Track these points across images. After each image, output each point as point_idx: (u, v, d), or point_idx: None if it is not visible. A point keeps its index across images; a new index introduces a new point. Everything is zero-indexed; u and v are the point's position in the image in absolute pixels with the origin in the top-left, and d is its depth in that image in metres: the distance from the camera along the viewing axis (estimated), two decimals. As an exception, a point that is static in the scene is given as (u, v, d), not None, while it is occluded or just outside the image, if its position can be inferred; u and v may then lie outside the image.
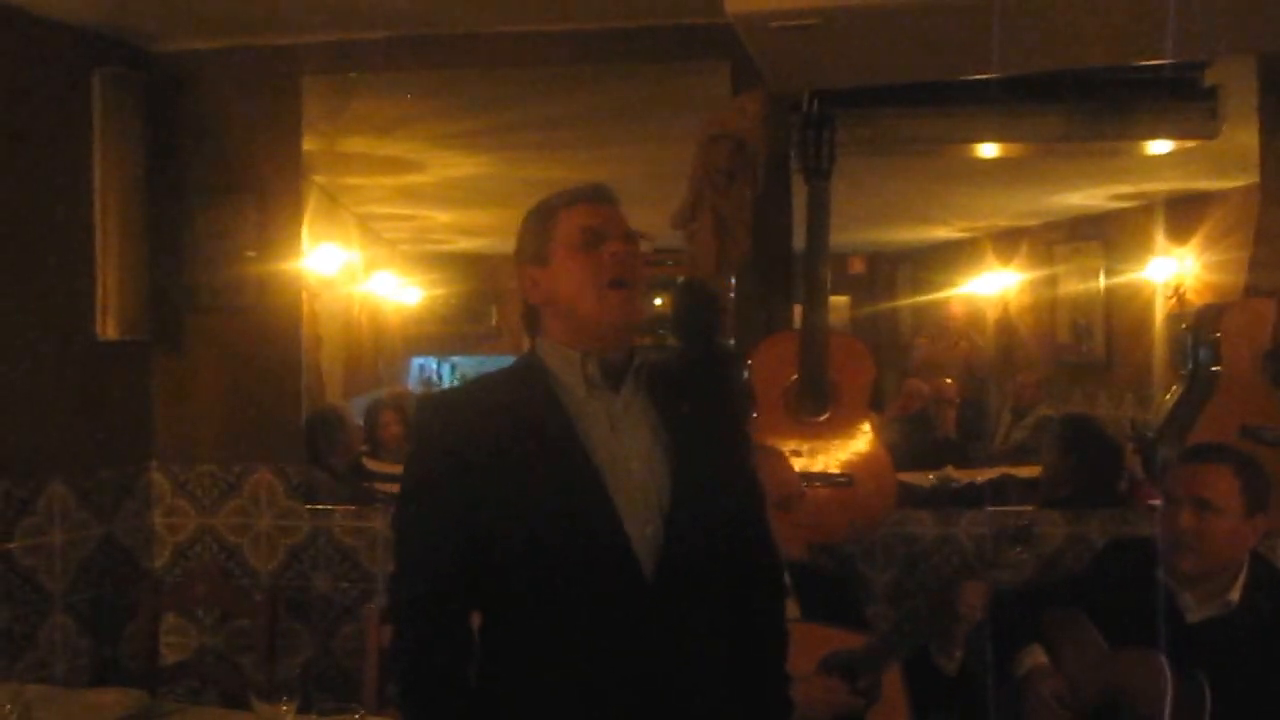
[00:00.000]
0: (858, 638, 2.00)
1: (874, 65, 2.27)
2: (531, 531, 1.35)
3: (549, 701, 1.35)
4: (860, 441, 2.45)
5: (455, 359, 3.61)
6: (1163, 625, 1.88)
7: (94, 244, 2.75)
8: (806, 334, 2.43)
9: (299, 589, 2.88)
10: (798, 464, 2.34)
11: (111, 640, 2.81)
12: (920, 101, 2.53)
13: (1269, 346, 2.37)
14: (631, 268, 1.38)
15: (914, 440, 3.40)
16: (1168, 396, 2.69)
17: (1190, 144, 2.65)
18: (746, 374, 2.49)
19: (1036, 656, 2.01)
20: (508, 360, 1.52)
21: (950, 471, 3.10)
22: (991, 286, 3.92)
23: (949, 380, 3.74)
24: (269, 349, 2.92)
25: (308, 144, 2.91)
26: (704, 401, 1.45)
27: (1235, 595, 1.93)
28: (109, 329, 2.77)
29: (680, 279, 2.62)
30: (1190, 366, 2.53)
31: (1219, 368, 2.43)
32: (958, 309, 3.95)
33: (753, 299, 2.72)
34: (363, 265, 3.42)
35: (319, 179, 3.00)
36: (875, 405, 2.51)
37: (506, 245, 1.52)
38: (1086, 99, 2.53)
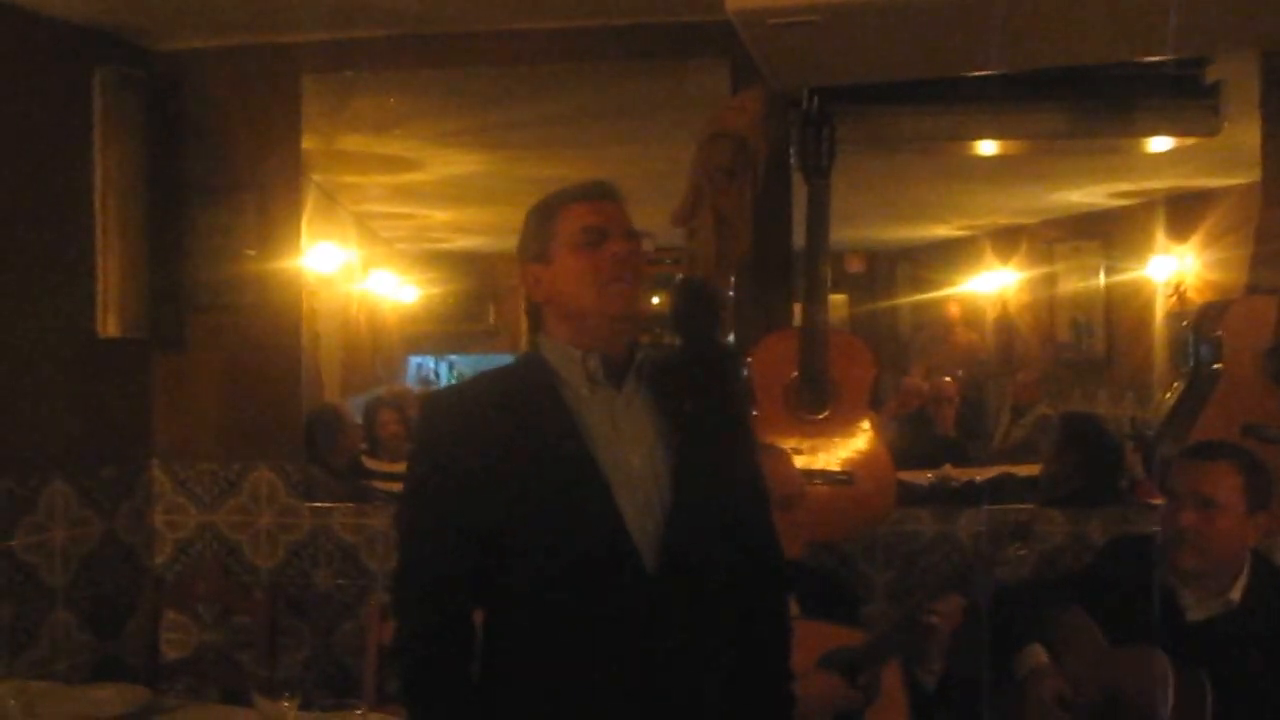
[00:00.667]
0: (857, 635, 2.00)
1: (874, 62, 2.27)
2: (534, 528, 1.35)
3: (551, 697, 1.35)
4: (860, 439, 2.45)
5: (453, 357, 3.61)
6: (1164, 624, 1.88)
7: (94, 242, 2.75)
8: (806, 332, 2.43)
9: (299, 586, 2.88)
10: (797, 462, 2.34)
11: (113, 637, 2.81)
12: (920, 99, 2.53)
13: (1270, 344, 2.36)
14: (633, 267, 1.38)
15: (913, 439, 3.39)
16: (1168, 395, 2.68)
17: (1191, 141, 2.64)
18: (746, 372, 2.49)
19: (1037, 656, 2.00)
20: (505, 359, 1.53)
21: (949, 470, 3.10)
22: (991, 285, 3.92)
23: (948, 379, 3.74)
24: (269, 347, 2.92)
25: (306, 142, 2.91)
26: (706, 399, 1.45)
27: (1236, 594, 1.93)
28: (109, 327, 2.77)
29: (679, 277, 2.62)
30: (1191, 364, 2.53)
31: (1220, 366, 2.42)
32: (953, 305, 3.96)
33: (752, 297, 2.72)
34: (361, 264, 3.43)
35: (317, 177, 3.01)
36: (873, 404, 2.50)
37: (504, 244, 1.52)
38: (1087, 96, 2.52)
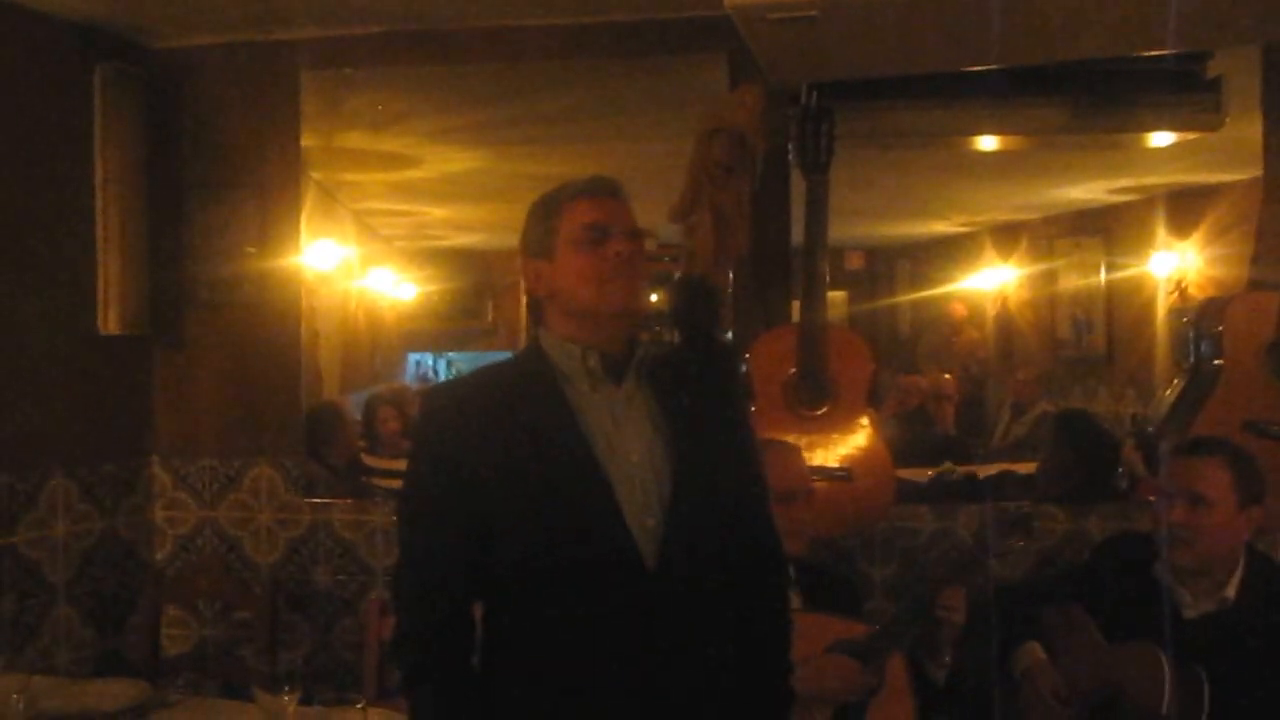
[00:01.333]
0: (860, 627, 2.01)
1: (873, 57, 2.26)
2: (534, 523, 1.35)
3: (551, 691, 1.35)
4: (859, 436, 2.45)
5: (451, 354, 3.62)
6: (1160, 620, 1.87)
7: (95, 239, 2.76)
8: (805, 328, 2.43)
9: (299, 582, 2.89)
10: (796, 458, 2.34)
11: (114, 632, 2.83)
12: (920, 94, 2.52)
13: (1272, 340, 2.35)
14: (635, 265, 1.38)
15: (913, 437, 3.39)
16: (1168, 391, 2.68)
17: (1193, 136, 2.63)
18: (745, 368, 2.49)
19: (1034, 653, 2.01)
20: (503, 356, 1.52)
21: (949, 467, 3.09)
22: (991, 281, 3.91)
23: (948, 376, 3.73)
24: (269, 344, 2.92)
25: (305, 140, 2.92)
26: (705, 394, 1.45)
27: (1232, 590, 1.92)
28: (110, 324, 2.78)
29: (678, 274, 2.62)
30: (1192, 361, 2.52)
31: (1221, 362, 2.41)
32: (957, 304, 3.94)
33: (751, 293, 2.72)
34: (359, 261, 3.43)
35: (316, 175, 3.01)
36: (872, 401, 2.50)
37: (503, 241, 1.52)
38: (1088, 91, 2.51)
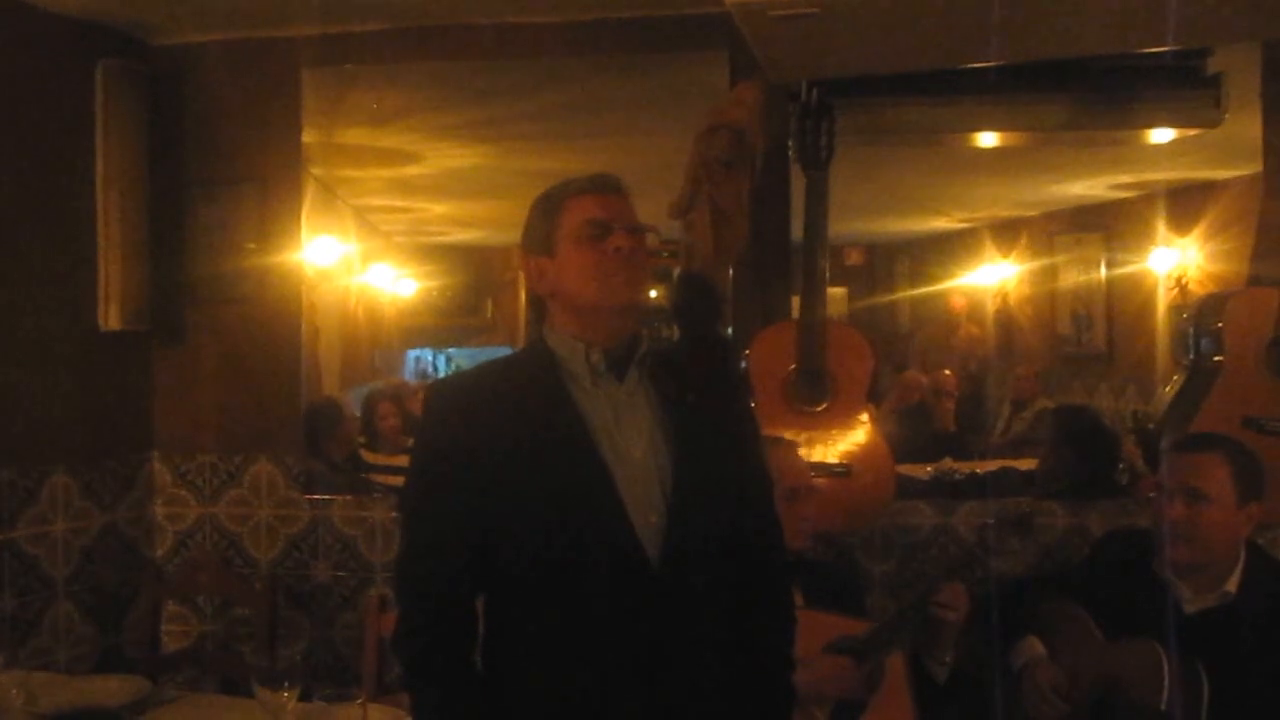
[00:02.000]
0: (860, 625, 2.01)
1: (873, 54, 2.26)
2: (535, 518, 1.35)
3: (552, 686, 1.36)
4: (859, 432, 2.45)
5: (451, 351, 3.61)
6: (1160, 616, 1.88)
7: (96, 235, 2.77)
8: (805, 324, 2.43)
9: (299, 578, 2.89)
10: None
11: (114, 628, 2.83)
12: (920, 91, 2.52)
13: (1272, 337, 2.36)
14: (636, 260, 1.38)
15: (913, 433, 3.39)
16: (1168, 388, 2.68)
17: (1193, 133, 2.63)
18: (744, 364, 2.49)
19: (1034, 647, 2.01)
20: (503, 352, 1.53)
21: (949, 464, 3.09)
22: (991, 278, 3.90)
23: (947, 372, 3.73)
24: (269, 340, 2.93)
25: (306, 136, 2.92)
26: (707, 391, 1.45)
27: (1232, 586, 1.93)
28: (111, 320, 2.78)
29: (678, 271, 2.62)
30: (1192, 357, 2.52)
31: (1221, 358, 2.41)
32: (957, 300, 3.94)
33: (751, 290, 2.72)
34: (359, 257, 3.43)
35: (316, 171, 3.01)
36: (872, 397, 2.50)
37: (503, 237, 1.52)
38: (1088, 87, 2.51)
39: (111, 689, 2.05)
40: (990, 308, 3.88)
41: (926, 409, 3.61)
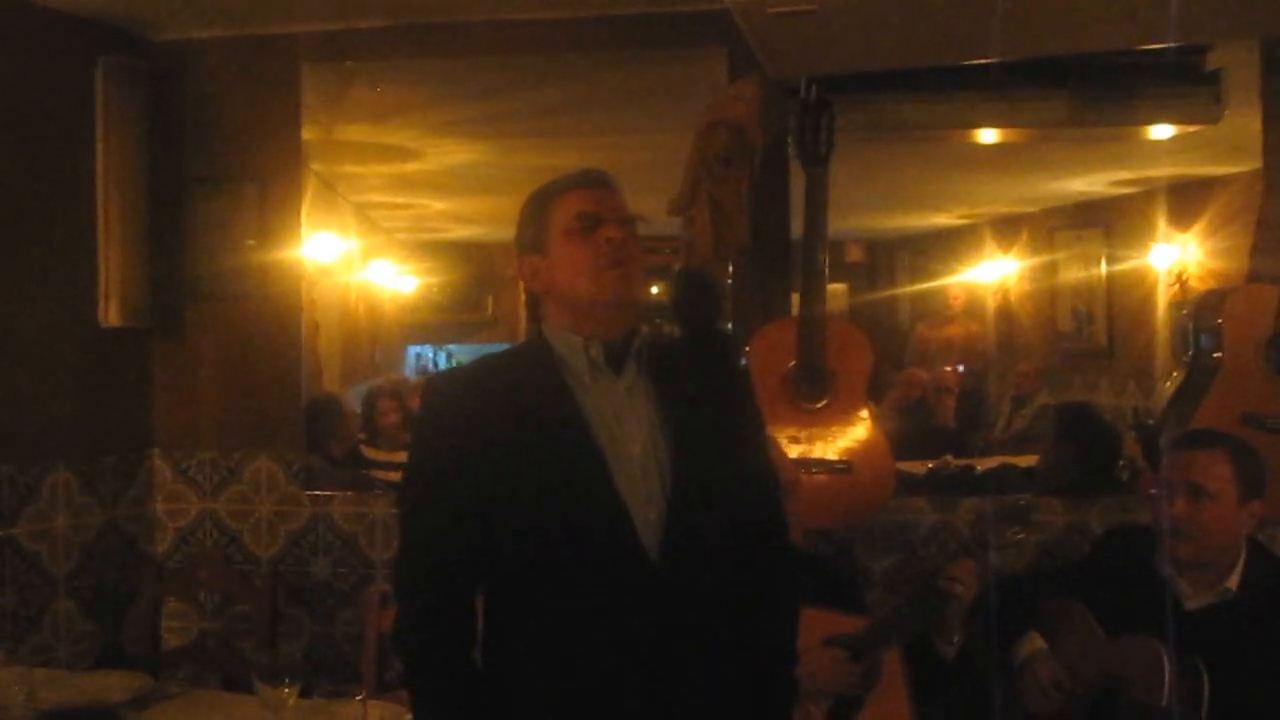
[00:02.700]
0: (858, 621, 2.01)
1: (872, 50, 2.26)
2: (535, 514, 1.35)
3: (553, 683, 1.36)
4: (858, 428, 2.45)
5: (451, 347, 3.61)
6: (1161, 613, 1.88)
7: (96, 232, 2.77)
8: (804, 321, 2.43)
9: (299, 574, 2.90)
10: (796, 450, 2.34)
11: (114, 624, 2.84)
12: (919, 87, 2.52)
13: (1271, 333, 2.35)
14: (628, 251, 1.38)
15: (913, 429, 3.38)
16: (1168, 384, 2.68)
17: (1193, 129, 2.63)
18: (744, 361, 2.49)
19: (1034, 643, 2.01)
20: (503, 349, 1.52)
21: (949, 460, 3.09)
22: (991, 274, 3.89)
23: (948, 368, 3.73)
24: (269, 337, 2.93)
25: (306, 132, 2.92)
26: (706, 385, 1.44)
27: (1233, 583, 1.93)
28: (111, 316, 2.79)
29: (678, 267, 2.62)
30: (1192, 353, 2.52)
31: (1221, 354, 2.41)
32: (954, 296, 3.93)
33: (751, 286, 2.72)
34: (360, 254, 3.43)
35: (317, 167, 3.01)
36: (872, 394, 2.50)
37: (502, 233, 1.52)
38: (1088, 84, 2.51)
39: (112, 685, 2.05)
40: (991, 304, 3.87)
41: (927, 406, 3.61)
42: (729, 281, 2.71)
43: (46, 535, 2.66)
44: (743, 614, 1.41)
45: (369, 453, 3.19)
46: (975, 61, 2.34)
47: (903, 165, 3.35)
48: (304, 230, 2.94)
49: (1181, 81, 2.50)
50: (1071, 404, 3.49)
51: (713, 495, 1.39)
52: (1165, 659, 1.82)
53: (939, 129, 2.67)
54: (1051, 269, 3.77)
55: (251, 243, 2.92)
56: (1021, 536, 1.97)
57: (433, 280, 3.59)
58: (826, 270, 2.44)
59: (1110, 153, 3.22)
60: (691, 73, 2.72)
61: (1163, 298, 3.33)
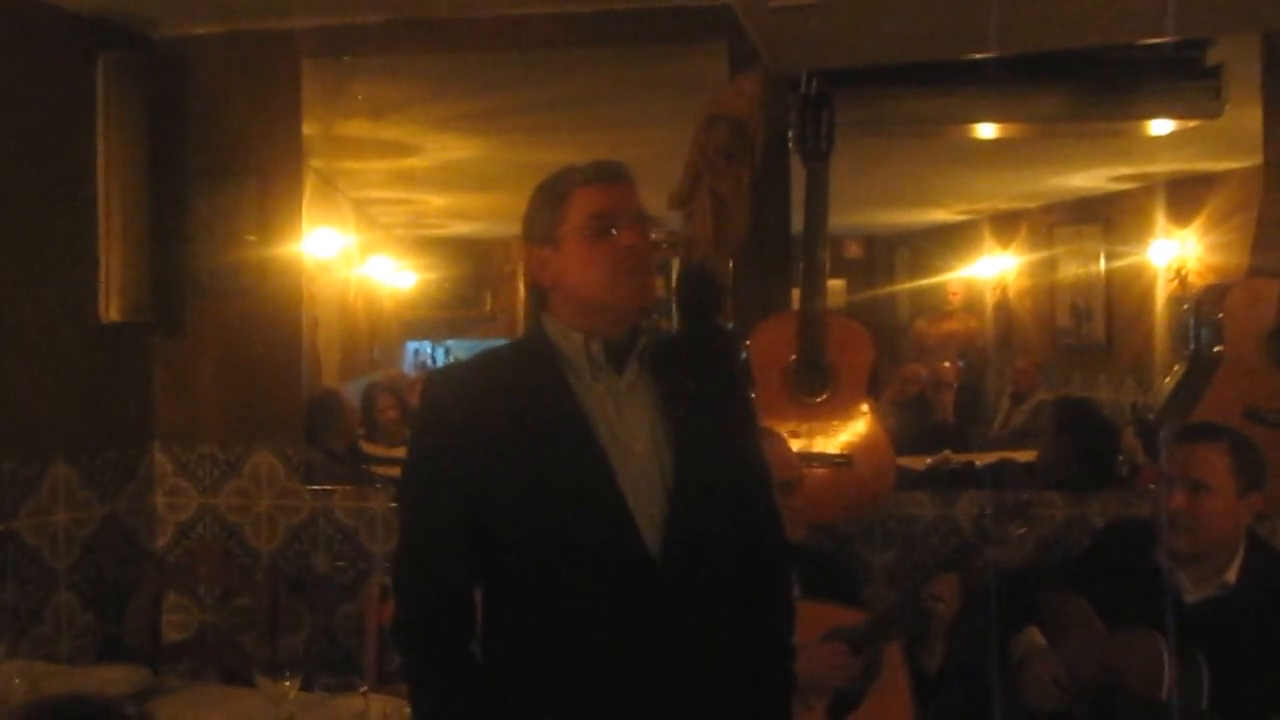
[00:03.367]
0: (858, 615, 2.02)
1: (873, 45, 2.26)
2: (535, 510, 1.35)
3: (553, 679, 1.36)
4: (859, 422, 2.45)
5: (450, 343, 3.61)
6: (1160, 606, 1.88)
7: (97, 227, 2.77)
8: (805, 315, 2.43)
9: (299, 568, 2.90)
10: (796, 444, 2.34)
11: (115, 618, 2.84)
12: (920, 81, 2.52)
13: (1272, 327, 2.36)
14: (644, 255, 1.37)
15: (912, 425, 3.39)
16: (1168, 379, 2.68)
17: (1193, 124, 2.63)
18: (745, 355, 2.49)
19: (1034, 638, 2.01)
20: (503, 344, 1.52)
21: (949, 456, 3.09)
22: (990, 269, 3.90)
23: (947, 364, 3.73)
24: (269, 332, 2.93)
25: (306, 128, 2.92)
26: (707, 382, 1.44)
27: (1232, 575, 1.93)
28: (112, 311, 2.79)
29: (678, 263, 2.63)
30: (1193, 348, 2.52)
31: (1221, 349, 2.41)
32: (952, 292, 3.94)
33: (751, 281, 2.72)
34: (359, 249, 3.43)
35: (316, 163, 3.00)
36: (871, 390, 2.51)
37: (502, 230, 1.51)
38: (1087, 78, 2.51)
39: (112, 679, 2.05)
40: (990, 300, 3.87)
41: (926, 401, 3.62)
42: (730, 277, 2.71)
43: (47, 529, 2.66)
44: (741, 610, 1.41)
45: (368, 448, 3.19)
46: (975, 56, 2.34)
47: (902, 161, 3.35)
48: (304, 225, 2.94)
49: (1182, 76, 2.50)
50: (1069, 399, 3.50)
51: (713, 493, 1.39)
52: (1165, 652, 1.82)
53: (939, 124, 2.67)
54: (1050, 265, 3.77)
55: (252, 238, 2.92)
56: (1024, 531, 1.97)
57: (431, 276, 3.59)
58: (827, 265, 2.44)
59: (1110, 148, 3.22)
60: (692, 67, 2.72)
61: (1162, 293, 3.33)
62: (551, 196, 1.40)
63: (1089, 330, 3.65)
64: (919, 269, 4.04)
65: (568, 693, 1.35)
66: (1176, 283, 3.26)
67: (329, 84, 2.92)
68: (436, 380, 1.50)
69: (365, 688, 1.88)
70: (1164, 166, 3.32)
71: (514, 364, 1.43)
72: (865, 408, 2.46)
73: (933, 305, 4.00)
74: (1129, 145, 3.13)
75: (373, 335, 3.58)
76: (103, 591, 2.80)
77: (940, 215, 4.03)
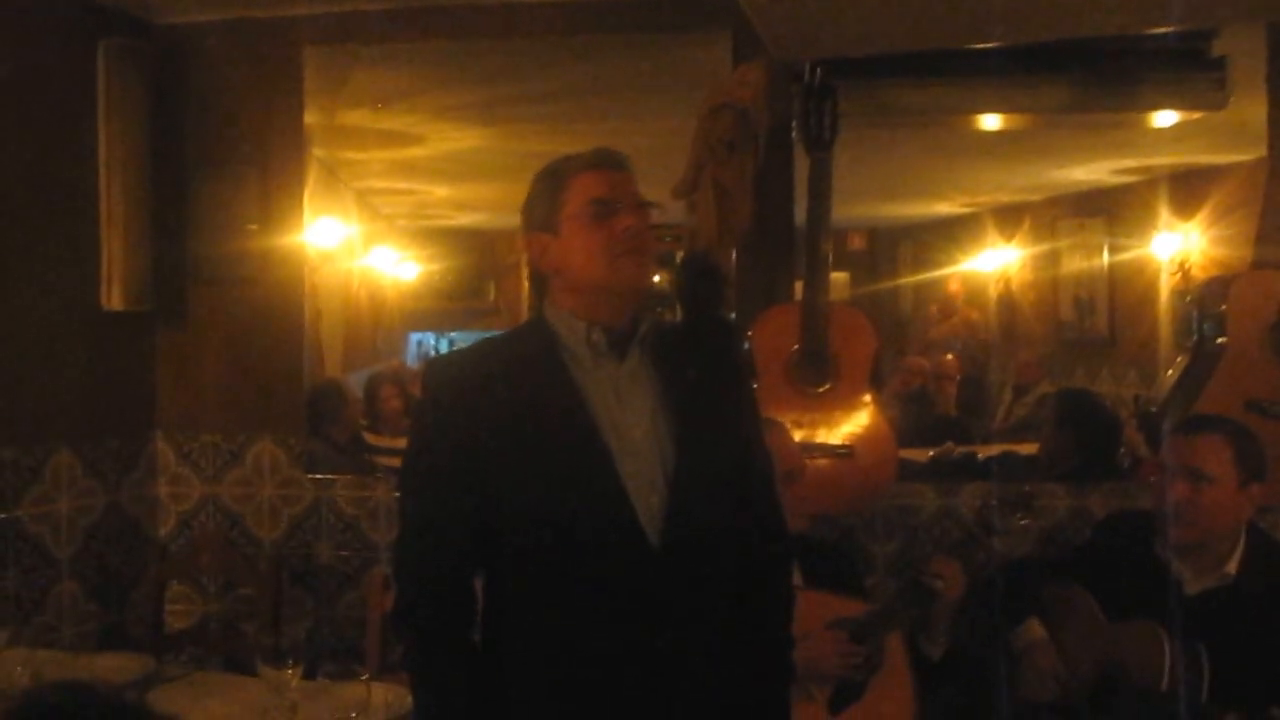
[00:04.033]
0: (860, 605, 2.02)
1: (876, 34, 2.25)
2: (535, 498, 1.35)
3: (553, 667, 1.36)
4: (861, 413, 2.45)
5: (453, 334, 3.61)
6: (1161, 597, 1.88)
7: (99, 215, 2.76)
8: (808, 305, 2.43)
9: (302, 557, 2.90)
10: (798, 435, 2.34)
11: (117, 607, 2.84)
12: (923, 71, 2.51)
13: (1275, 320, 2.35)
14: (643, 239, 1.38)
15: (915, 417, 3.39)
16: (1171, 371, 2.68)
17: (1197, 115, 2.62)
18: (747, 345, 2.49)
19: (1034, 630, 2.02)
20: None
21: (952, 448, 3.09)
22: (993, 263, 3.89)
23: (950, 356, 3.72)
24: (271, 321, 2.93)
25: (308, 117, 2.91)
26: (708, 371, 1.44)
27: (1233, 567, 1.93)
28: (114, 300, 2.79)
29: (681, 253, 2.62)
30: (1195, 339, 2.52)
31: (1224, 341, 2.41)
32: (953, 286, 3.93)
33: (755, 272, 2.72)
34: (361, 240, 3.42)
35: (318, 152, 3.00)
36: (874, 382, 2.51)
37: (506, 220, 1.51)
38: (1092, 69, 2.50)
39: (115, 667, 2.06)
40: (993, 293, 3.86)
41: (928, 394, 3.61)
42: (733, 267, 2.70)
43: (49, 518, 2.67)
44: (740, 599, 1.42)
45: (371, 439, 3.19)
46: (979, 46, 2.33)
47: (905, 152, 3.34)
48: (306, 215, 2.93)
49: (1186, 67, 2.50)
50: (1070, 391, 3.49)
51: (714, 481, 1.39)
52: (1166, 643, 1.82)
53: (942, 114, 2.66)
54: (1053, 258, 3.76)
55: (253, 227, 2.91)
56: (1027, 522, 1.98)
57: (434, 267, 3.58)
58: (830, 255, 2.44)
59: (1113, 141, 3.21)
60: (696, 57, 2.71)
61: (1165, 287, 3.32)
62: (551, 183, 1.41)
63: (1092, 323, 3.65)
64: (922, 262, 4.03)
65: (567, 680, 1.36)
66: (1180, 276, 3.25)
67: (331, 72, 2.91)
68: (438, 367, 1.50)
69: (367, 676, 1.88)
70: (1168, 159, 3.31)
71: (515, 351, 1.43)
72: (868, 398, 2.46)
73: (936, 298, 3.99)
74: (1133, 137, 3.12)
75: (375, 326, 3.58)
76: (105, 580, 2.81)
77: (943, 208, 4.01)
